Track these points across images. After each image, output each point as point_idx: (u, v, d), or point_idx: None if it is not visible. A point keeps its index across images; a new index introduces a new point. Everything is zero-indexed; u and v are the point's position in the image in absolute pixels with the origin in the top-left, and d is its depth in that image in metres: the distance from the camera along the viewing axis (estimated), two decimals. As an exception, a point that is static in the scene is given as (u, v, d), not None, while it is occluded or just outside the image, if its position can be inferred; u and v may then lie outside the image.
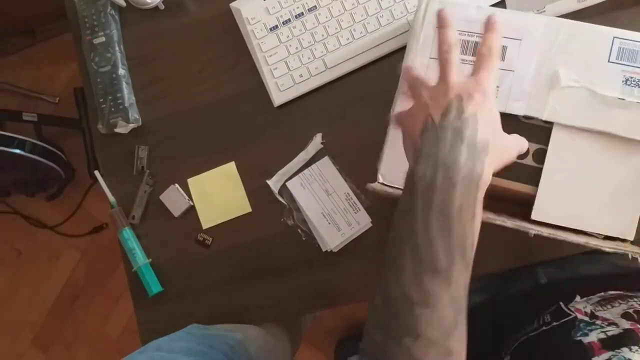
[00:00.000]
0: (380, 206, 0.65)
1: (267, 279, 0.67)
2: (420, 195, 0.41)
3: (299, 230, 0.66)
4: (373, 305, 0.43)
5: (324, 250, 0.65)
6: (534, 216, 0.52)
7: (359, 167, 0.65)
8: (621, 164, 0.51)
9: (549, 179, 0.52)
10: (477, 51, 0.47)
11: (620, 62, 0.52)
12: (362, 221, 0.64)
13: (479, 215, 0.42)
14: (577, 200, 0.52)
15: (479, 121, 0.42)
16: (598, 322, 0.50)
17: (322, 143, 0.66)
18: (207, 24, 0.70)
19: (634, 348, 0.47)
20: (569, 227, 0.51)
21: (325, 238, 0.64)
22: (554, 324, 0.53)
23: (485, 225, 0.61)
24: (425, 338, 0.39)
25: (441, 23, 0.49)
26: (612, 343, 0.49)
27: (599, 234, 0.51)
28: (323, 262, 0.65)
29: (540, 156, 0.53)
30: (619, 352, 0.47)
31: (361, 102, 0.66)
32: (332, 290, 0.65)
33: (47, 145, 1.34)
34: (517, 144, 0.49)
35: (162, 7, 0.72)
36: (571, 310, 0.53)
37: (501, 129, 0.46)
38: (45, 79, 1.56)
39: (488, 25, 0.47)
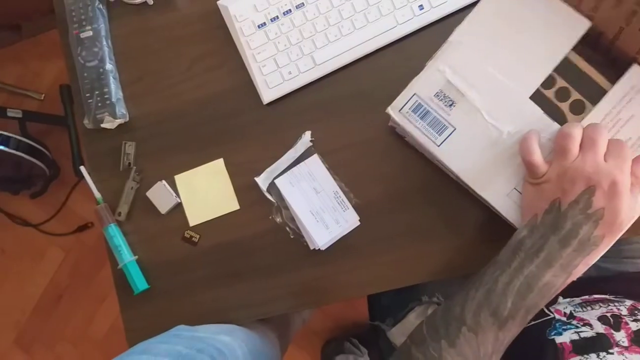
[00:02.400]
0: (369, 204, 0.65)
1: (255, 277, 0.66)
2: (518, 260, 0.47)
3: (287, 228, 0.65)
4: (438, 307, 0.51)
5: (311, 248, 0.64)
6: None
7: (348, 165, 0.65)
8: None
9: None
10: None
11: None
12: (350, 219, 0.64)
13: (556, 294, 0.48)
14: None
15: (604, 217, 0.46)
16: (574, 322, 0.51)
17: (311, 141, 0.66)
18: (196, 20, 0.70)
19: (602, 354, 0.48)
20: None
21: (313, 236, 0.64)
22: (532, 322, 0.54)
23: (480, 224, 0.61)
24: (459, 351, 0.47)
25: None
26: (583, 347, 0.50)
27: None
28: (311, 260, 0.65)
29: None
30: (587, 358, 0.48)
31: (351, 99, 0.66)
32: (320, 288, 0.65)
33: (31, 142, 1.33)
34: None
35: (150, 2, 0.71)
36: (550, 311, 0.54)
37: (621, 219, 0.47)
38: (31, 76, 1.54)
39: None
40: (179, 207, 0.68)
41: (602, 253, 0.48)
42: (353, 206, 0.65)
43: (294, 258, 0.65)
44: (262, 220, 0.66)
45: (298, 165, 0.66)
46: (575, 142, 0.47)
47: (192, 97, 0.69)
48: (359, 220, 0.64)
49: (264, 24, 0.66)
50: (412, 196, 0.64)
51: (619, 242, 0.66)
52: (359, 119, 0.66)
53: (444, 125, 0.54)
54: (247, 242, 0.66)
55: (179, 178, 0.68)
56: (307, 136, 0.66)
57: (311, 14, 0.65)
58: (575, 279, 0.47)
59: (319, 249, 0.64)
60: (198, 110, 0.69)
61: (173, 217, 0.68)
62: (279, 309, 0.67)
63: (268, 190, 0.66)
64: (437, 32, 0.63)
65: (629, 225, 0.48)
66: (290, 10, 0.66)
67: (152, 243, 0.68)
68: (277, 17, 0.66)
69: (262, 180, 0.65)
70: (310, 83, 0.66)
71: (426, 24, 0.64)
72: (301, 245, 0.65)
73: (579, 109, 0.53)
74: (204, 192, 0.67)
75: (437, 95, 0.54)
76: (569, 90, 0.53)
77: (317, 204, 0.65)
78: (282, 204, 0.66)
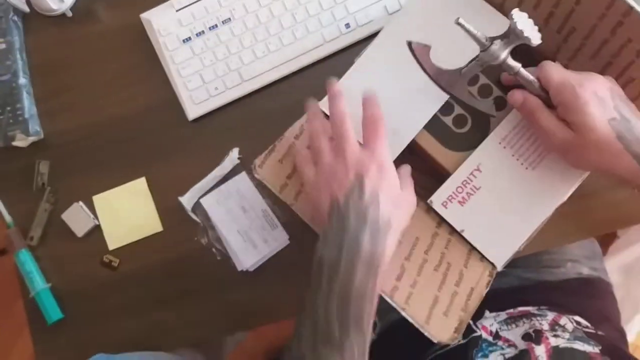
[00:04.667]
0: (298, 222, 0.63)
1: (181, 301, 0.63)
2: (325, 277, 0.45)
3: (214, 250, 0.63)
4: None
5: (239, 269, 0.62)
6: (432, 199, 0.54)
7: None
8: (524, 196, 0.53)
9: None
10: (362, 122, 0.49)
11: None
12: (279, 238, 0.62)
13: (379, 286, 0.45)
14: (476, 209, 0.53)
15: (380, 199, 0.46)
16: (500, 342, 0.51)
17: (239, 158, 0.64)
18: (118, 33, 0.67)
19: None
20: (454, 227, 0.53)
21: (241, 257, 0.61)
22: (461, 341, 0.53)
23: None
24: None
25: (330, 94, 0.50)
26: None
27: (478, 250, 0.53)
28: (239, 282, 0.62)
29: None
30: None
31: (279, 116, 0.64)
32: (250, 311, 0.63)
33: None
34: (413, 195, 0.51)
35: (69, 14, 0.68)
36: (477, 327, 0.54)
37: (399, 192, 0.48)
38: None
39: (364, 98, 0.49)
40: (97, 229, 0.64)
41: (402, 228, 0.48)
42: (282, 224, 0.63)
43: (222, 280, 0.63)
44: (187, 241, 0.63)
45: (225, 184, 0.63)
46: (325, 138, 0.49)
47: (113, 113, 0.66)
48: (289, 239, 0.63)
49: (189, 38, 0.64)
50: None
51: (539, 252, 0.68)
52: (288, 136, 0.65)
53: None
54: (172, 265, 0.63)
55: (98, 199, 0.64)
56: (234, 153, 0.64)
57: (238, 29, 0.64)
58: (386, 266, 0.46)
59: (247, 270, 0.62)
60: (119, 127, 0.65)
61: (91, 241, 0.64)
62: (207, 334, 0.64)
63: (193, 210, 0.63)
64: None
65: (408, 195, 0.49)
66: (216, 25, 0.64)
67: (67, 269, 0.64)
68: (203, 31, 0.64)
69: (187, 200, 0.63)
70: (237, 99, 0.64)
71: (353, 42, 0.64)
72: (229, 267, 0.62)
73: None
74: (125, 214, 0.64)
75: None
76: (466, 117, 0.55)
77: (245, 223, 0.63)
78: (208, 224, 0.63)
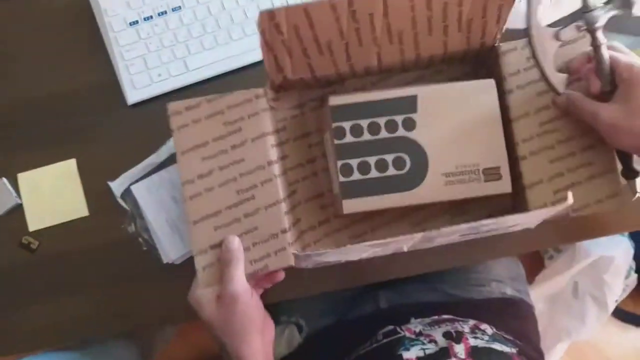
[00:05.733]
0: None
1: (100, 289, 0.61)
2: None
3: (140, 239, 0.61)
4: None
5: (165, 261, 0.60)
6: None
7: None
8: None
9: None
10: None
11: None
12: (210, 233, 0.61)
13: None
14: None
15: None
16: (422, 338, 0.51)
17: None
18: (63, 9, 0.65)
19: None
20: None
21: (168, 248, 0.60)
22: (384, 341, 0.53)
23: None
24: None
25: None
26: None
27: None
28: (163, 274, 0.61)
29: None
30: None
31: (222, 111, 0.64)
32: (170, 304, 0.61)
33: None
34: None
35: (15, -14, 0.66)
36: (402, 330, 0.54)
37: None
38: None
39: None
40: (19, 209, 0.61)
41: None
42: (214, 220, 0.62)
43: (145, 271, 0.61)
44: (113, 228, 0.61)
45: (159, 173, 0.62)
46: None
47: (49, 90, 0.63)
48: (219, 236, 0.61)
49: (136, 22, 0.63)
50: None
51: (466, 270, 0.69)
52: (229, 131, 0.64)
53: None
54: (94, 252, 0.61)
55: (23, 177, 0.61)
56: (171, 142, 0.62)
57: (187, 18, 0.63)
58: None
59: (173, 262, 0.60)
60: (54, 105, 0.63)
61: (11, 220, 0.61)
62: (127, 325, 0.62)
63: (123, 196, 0.61)
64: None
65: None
66: (165, 11, 0.63)
67: (-19, 248, 0.60)
68: (151, 16, 0.63)
69: (117, 186, 0.61)
70: (180, 88, 0.63)
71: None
72: (154, 258, 0.60)
73: None
74: (50, 195, 0.61)
75: None
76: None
77: (176, 214, 0.61)
78: (137, 213, 0.61)
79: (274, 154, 0.53)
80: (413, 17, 0.49)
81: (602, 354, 1.12)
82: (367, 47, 0.51)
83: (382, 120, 0.53)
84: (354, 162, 0.52)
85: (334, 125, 0.52)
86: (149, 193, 0.61)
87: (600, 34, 0.50)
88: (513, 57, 0.54)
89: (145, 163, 0.61)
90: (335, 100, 0.53)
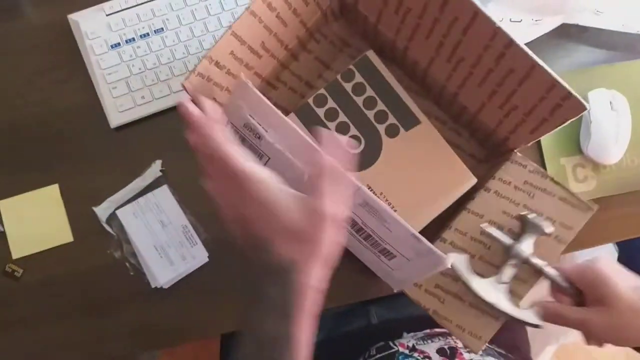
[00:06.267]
0: (220, 240, 0.62)
1: (87, 316, 0.60)
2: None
3: (127, 264, 0.60)
4: None
5: (153, 286, 0.60)
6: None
7: (199, 199, 0.62)
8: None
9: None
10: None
11: None
12: (198, 255, 0.61)
13: (304, 328, 0.37)
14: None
15: (272, 243, 0.37)
16: (415, 354, 0.52)
17: (161, 170, 0.62)
18: (42, 31, 0.64)
19: None
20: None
21: (156, 273, 0.59)
22: (377, 356, 0.54)
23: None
24: None
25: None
26: None
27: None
28: (151, 299, 0.60)
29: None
30: None
31: (207, 132, 0.64)
32: (161, 330, 0.60)
33: None
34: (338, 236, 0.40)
35: (-7, 7, 0.64)
36: (395, 345, 0.54)
37: (297, 225, 0.38)
38: None
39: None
40: (1, 236, 0.60)
41: (324, 255, 0.38)
42: (203, 241, 0.61)
43: (133, 296, 0.60)
44: (99, 254, 0.60)
45: (145, 196, 0.61)
46: None
47: (29, 114, 0.62)
48: (208, 257, 0.61)
49: (118, 44, 0.62)
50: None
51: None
52: (215, 152, 0.63)
53: (260, 153, 0.52)
54: (80, 278, 0.60)
55: (4, 204, 0.60)
56: (157, 165, 0.62)
57: (170, 40, 0.63)
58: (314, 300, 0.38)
59: (162, 287, 0.60)
60: (34, 129, 0.62)
61: (-7, 248, 0.60)
62: (114, 352, 0.60)
63: (108, 221, 0.60)
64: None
65: (323, 239, 0.38)
66: (148, 33, 0.62)
67: (-37, 277, 0.59)
68: (134, 39, 0.62)
69: (102, 211, 0.60)
70: (164, 110, 0.63)
71: (288, 62, 0.65)
72: (142, 283, 0.60)
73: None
74: (33, 221, 0.60)
75: (246, 127, 0.51)
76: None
77: (163, 238, 0.61)
78: (123, 237, 0.60)
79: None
80: (480, 56, 0.49)
81: (590, 355, 1.14)
82: (429, 45, 0.52)
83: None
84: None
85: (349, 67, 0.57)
86: (135, 217, 0.61)
87: (535, 260, 0.51)
88: (515, 170, 0.55)
89: (130, 187, 0.61)
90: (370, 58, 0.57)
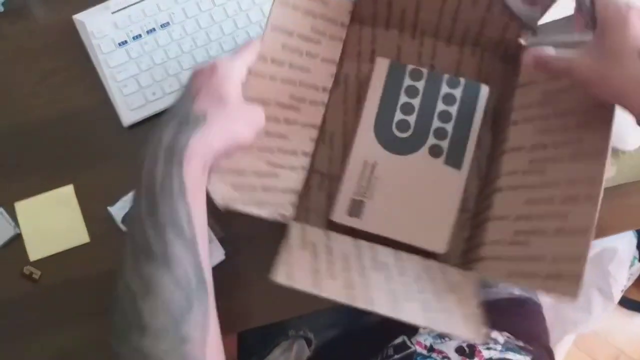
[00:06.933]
0: (236, 237, 0.61)
1: (107, 318, 0.60)
2: (137, 179, 0.40)
3: (144, 263, 0.60)
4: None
5: (170, 284, 0.59)
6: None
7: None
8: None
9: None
10: None
11: None
12: (214, 253, 0.60)
13: (197, 190, 0.40)
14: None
15: (199, 95, 0.42)
16: (434, 355, 0.51)
17: (174, 168, 0.61)
18: (52, 32, 0.64)
19: None
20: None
21: (172, 271, 0.59)
22: (395, 356, 0.53)
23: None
24: (151, 329, 0.37)
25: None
26: None
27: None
28: (169, 297, 0.60)
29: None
30: None
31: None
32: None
33: None
34: (256, 119, 0.46)
35: (1, 9, 0.64)
36: (412, 343, 0.54)
37: (234, 99, 0.44)
38: None
39: None
40: (18, 239, 0.60)
41: (234, 136, 0.43)
42: (219, 239, 0.61)
43: (151, 295, 0.60)
44: (116, 254, 0.59)
45: (159, 194, 0.61)
46: None
47: (42, 115, 0.62)
48: (225, 254, 0.61)
49: (125, 42, 0.61)
50: (279, 227, 0.62)
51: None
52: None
53: None
54: (97, 279, 0.59)
55: (20, 206, 0.60)
56: (169, 163, 0.61)
57: (177, 34, 0.62)
58: (200, 165, 0.41)
59: (179, 285, 0.59)
60: (47, 130, 0.62)
61: (10, 251, 0.60)
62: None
63: (123, 221, 0.60)
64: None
65: (251, 110, 0.46)
66: (154, 29, 0.62)
67: (-17, 280, 0.59)
68: (140, 35, 0.61)
69: (117, 210, 0.60)
70: (175, 107, 0.62)
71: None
72: (159, 281, 0.60)
73: None
74: (49, 223, 0.60)
75: None
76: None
77: (178, 236, 0.60)
78: (138, 236, 0.60)
79: (329, 83, 0.57)
80: None
81: (609, 342, 1.13)
82: None
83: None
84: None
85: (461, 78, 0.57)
86: (150, 216, 0.60)
87: None
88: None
89: (144, 185, 0.60)
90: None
